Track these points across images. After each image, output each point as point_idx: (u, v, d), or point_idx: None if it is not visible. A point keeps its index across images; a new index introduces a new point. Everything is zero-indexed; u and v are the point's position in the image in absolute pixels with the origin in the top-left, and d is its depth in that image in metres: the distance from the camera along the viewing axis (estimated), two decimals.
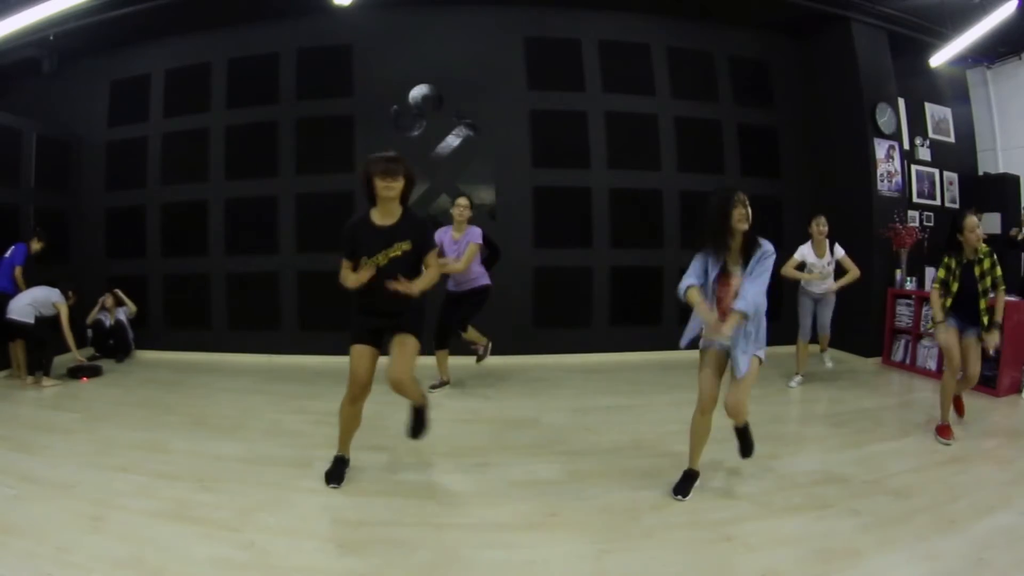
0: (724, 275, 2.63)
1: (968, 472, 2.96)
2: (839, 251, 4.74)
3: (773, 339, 2.93)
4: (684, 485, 2.70)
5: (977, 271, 3.38)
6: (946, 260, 3.49)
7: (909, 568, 2.09)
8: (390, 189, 2.59)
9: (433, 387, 4.50)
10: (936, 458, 3.16)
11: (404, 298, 2.61)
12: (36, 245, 5.21)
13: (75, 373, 5.03)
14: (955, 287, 3.45)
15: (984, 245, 3.41)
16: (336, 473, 2.86)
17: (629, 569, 2.12)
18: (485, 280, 4.43)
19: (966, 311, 3.43)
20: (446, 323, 4.48)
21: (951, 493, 2.69)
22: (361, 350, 2.80)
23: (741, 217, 2.50)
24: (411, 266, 2.70)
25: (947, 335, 3.46)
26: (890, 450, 3.29)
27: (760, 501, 2.64)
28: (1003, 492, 2.70)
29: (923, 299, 5.28)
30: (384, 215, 2.69)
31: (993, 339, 3.37)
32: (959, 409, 3.73)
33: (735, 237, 2.55)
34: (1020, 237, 5.66)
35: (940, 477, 2.89)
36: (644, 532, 2.38)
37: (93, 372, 5.15)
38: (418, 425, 2.98)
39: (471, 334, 4.57)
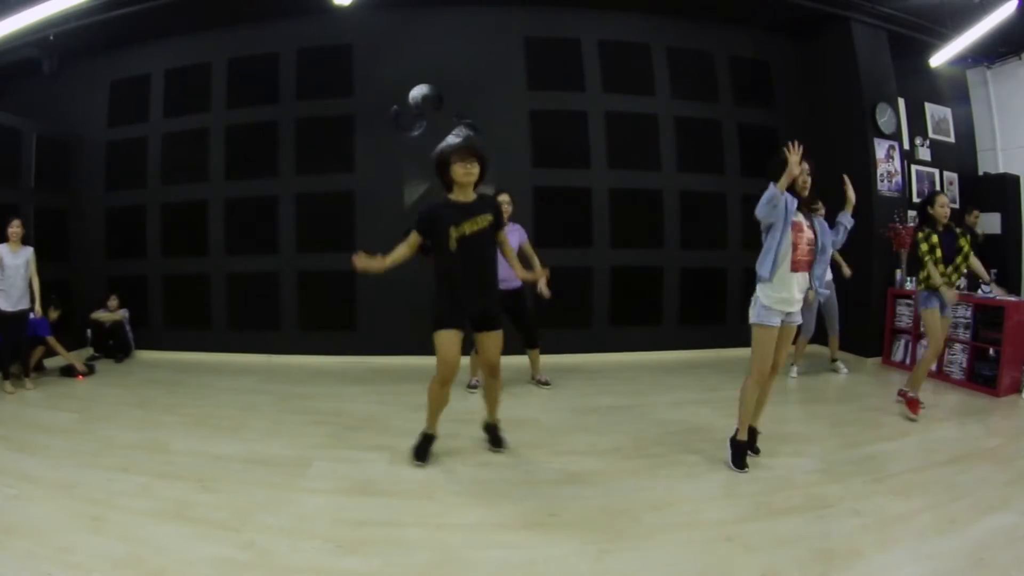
0: (796, 221, 2.88)
1: (968, 472, 2.95)
2: None
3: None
4: (740, 458, 2.98)
5: (961, 241, 3.84)
6: (923, 232, 3.87)
7: (909, 568, 2.09)
8: (469, 175, 2.84)
9: (471, 387, 4.57)
10: (936, 458, 3.16)
11: (496, 285, 2.98)
12: (53, 314, 5.25)
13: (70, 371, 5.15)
14: (939, 254, 3.83)
15: (951, 221, 3.88)
16: (422, 449, 3.06)
17: (629, 569, 2.12)
18: (518, 282, 4.46)
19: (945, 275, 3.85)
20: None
21: (951, 493, 2.69)
22: (449, 335, 2.87)
23: (805, 185, 2.85)
24: (490, 241, 2.94)
25: (933, 316, 3.82)
26: (890, 450, 3.29)
27: (760, 501, 2.64)
28: (1003, 492, 2.70)
29: None
30: (462, 196, 2.91)
31: (996, 286, 4.03)
32: (916, 409, 3.88)
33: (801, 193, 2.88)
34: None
35: (940, 477, 2.89)
36: (644, 532, 2.38)
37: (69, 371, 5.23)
38: (497, 440, 3.28)
39: (536, 357, 4.77)
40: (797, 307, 2.96)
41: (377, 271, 2.86)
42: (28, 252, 4.76)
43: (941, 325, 3.85)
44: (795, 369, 5.08)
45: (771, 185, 2.75)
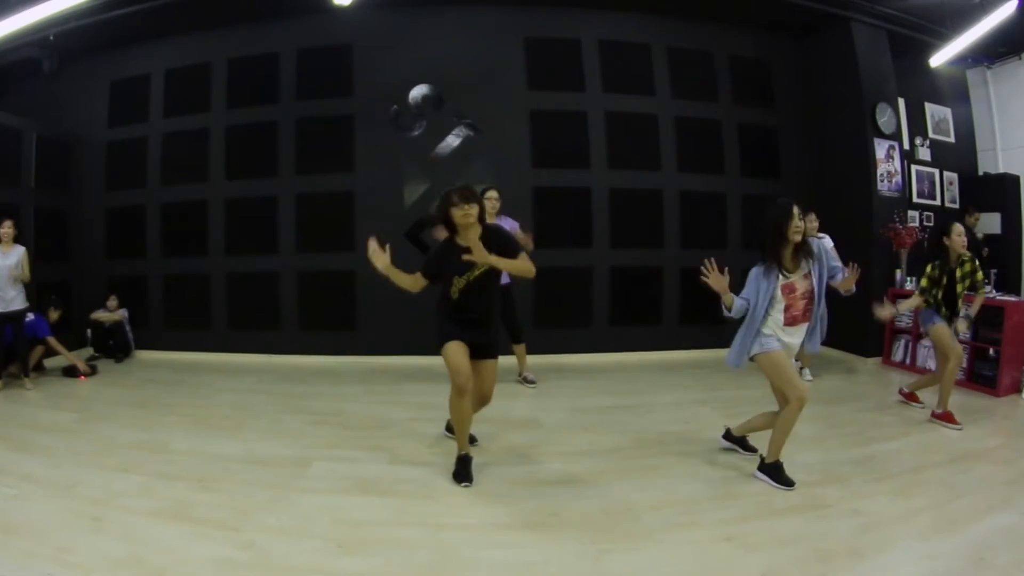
0: (786, 283, 2.77)
1: (968, 472, 2.96)
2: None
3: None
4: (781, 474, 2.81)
5: (959, 273, 3.69)
6: (930, 270, 3.75)
7: (909, 568, 2.09)
8: (468, 216, 2.77)
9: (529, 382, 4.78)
10: (936, 458, 3.16)
11: (492, 313, 2.95)
12: (53, 315, 5.27)
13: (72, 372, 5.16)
14: (939, 294, 3.73)
15: (967, 251, 3.70)
16: (463, 472, 2.88)
17: (629, 569, 2.12)
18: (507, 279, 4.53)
19: (952, 310, 3.78)
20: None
21: (951, 493, 2.69)
22: (455, 345, 2.86)
23: (797, 230, 2.71)
24: (497, 275, 2.92)
25: (940, 331, 3.73)
26: (890, 450, 3.29)
27: (760, 501, 2.64)
28: (1003, 492, 2.70)
29: None
30: (464, 238, 2.83)
31: (961, 327, 3.78)
32: (914, 399, 4.06)
33: (788, 247, 2.75)
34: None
35: (940, 477, 2.89)
36: (644, 532, 2.38)
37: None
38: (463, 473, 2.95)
39: (522, 353, 4.79)
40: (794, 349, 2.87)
41: (378, 269, 2.83)
42: (19, 252, 4.70)
43: (950, 334, 3.73)
44: (807, 372, 4.98)
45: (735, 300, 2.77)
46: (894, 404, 4.16)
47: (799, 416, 2.78)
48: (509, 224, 4.52)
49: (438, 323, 2.96)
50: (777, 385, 2.85)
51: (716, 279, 2.77)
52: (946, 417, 3.68)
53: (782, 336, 2.79)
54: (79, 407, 4.22)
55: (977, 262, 3.69)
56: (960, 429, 3.60)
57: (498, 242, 2.85)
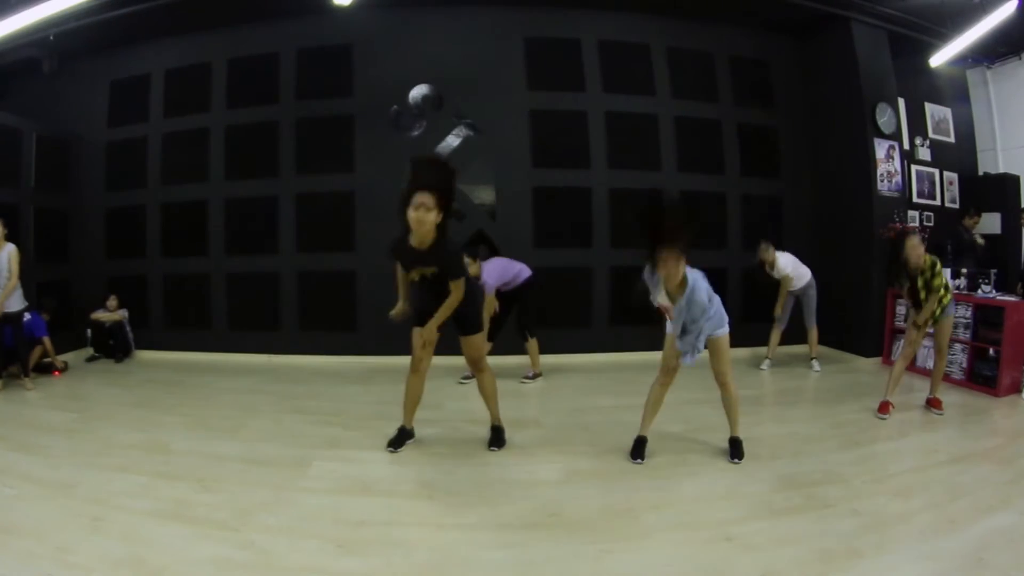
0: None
1: (968, 472, 2.96)
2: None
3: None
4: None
5: (920, 281, 3.80)
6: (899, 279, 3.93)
7: (909, 568, 2.09)
8: (421, 223, 2.80)
9: (465, 378, 4.79)
10: (936, 458, 3.16)
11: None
12: (44, 316, 5.27)
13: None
14: (923, 295, 3.81)
15: (928, 256, 3.79)
16: (397, 439, 3.27)
17: (629, 569, 2.12)
18: (528, 272, 4.82)
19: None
20: (503, 319, 4.80)
21: (951, 493, 2.69)
22: (418, 329, 3.12)
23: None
24: (443, 283, 2.97)
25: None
26: (890, 450, 3.30)
27: (760, 501, 2.64)
28: (1003, 492, 2.70)
29: None
30: (416, 240, 2.91)
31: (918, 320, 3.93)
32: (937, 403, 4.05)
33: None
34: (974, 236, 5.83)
35: (940, 477, 2.89)
36: (644, 532, 2.38)
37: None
38: (496, 439, 3.34)
39: (533, 348, 4.93)
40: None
41: (404, 309, 3.21)
42: (8, 250, 4.61)
43: (945, 328, 3.91)
44: (767, 363, 5.23)
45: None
46: (894, 404, 4.16)
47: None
48: (500, 268, 4.70)
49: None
50: (728, 363, 3.08)
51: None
52: (882, 407, 3.90)
53: None
54: (79, 407, 4.22)
55: (937, 266, 3.73)
56: (885, 420, 3.79)
57: (438, 260, 2.93)
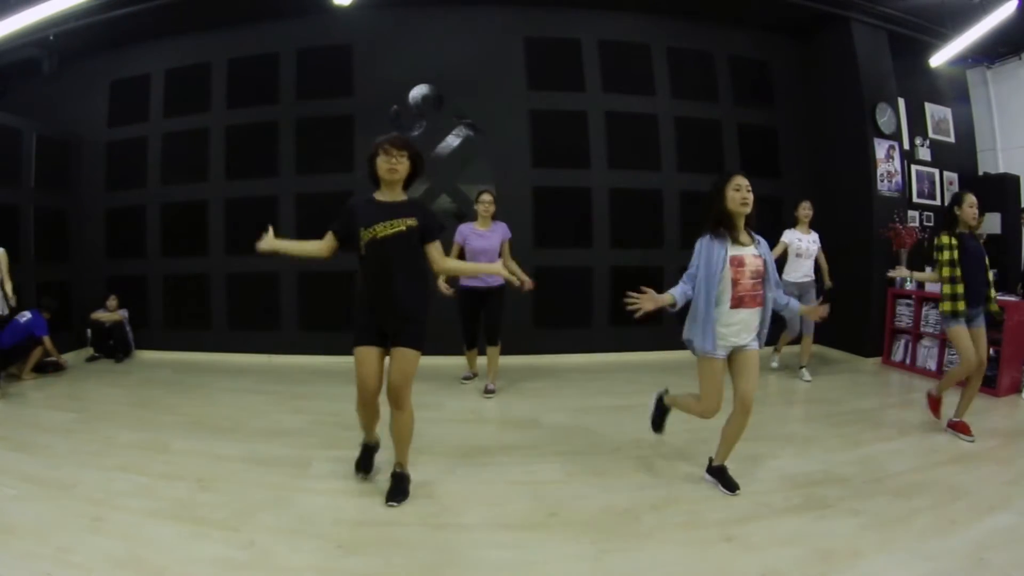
0: (736, 255, 2.57)
1: (968, 472, 2.96)
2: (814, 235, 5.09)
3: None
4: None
5: (948, 255, 3.40)
6: (947, 237, 3.42)
7: (909, 568, 2.09)
8: (394, 171, 2.53)
9: (465, 378, 4.82)
10: (936, 458, 3.16)
11: (408, 297, 2.55)
12: (47, 316, 5.22)
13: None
14: (958, 272, 3.38)
15: (977, 224, 3.46)
16: (362, 461, 2.90)
17: (629, 569, 2.12)
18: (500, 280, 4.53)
19: (972, 290, 3.39)
20: (472, 325, 4.55)
21: (951, 493, 2.69)
22: (366, 353, 2.59)
23: (744, 202, 2.55)
24: (411, 247, 2.56)
25: (960, 332, 3.40)
26: (890, 450, 3.29)
27: (760, 501, 2.64)
28: (1003, 492, 2.70)
29: (923, 299, 5.29)
30: (387, 194, 2.62)
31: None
32: (936, 411, 3.72)
33: (737, 220, 2.60)
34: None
35: (940, 477, 2.89)
36: (644, 532, 2.38)
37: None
38: (397, 490, 2.65)
39: (494, 359, 4.51)
40: (749, 336, 2.64)
41: (265, 251, 2.74)
42: None
43: (973, 337, 3.43)
44: (805, 372, 4.95)
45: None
46: (894, 404, 4.16)
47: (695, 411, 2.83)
48: (502, 230, 4.43)
49: (354, 313, 2.70)
50: (703, 388, 2.78)
51: (649, 301, 2.57)
52: (960, 427, 3.46)
53: (726, 333, 2.61)
54: (79, 407, 4.22)
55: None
56: (973, 441, 3.37)
57: (419, 210, 2.59)
